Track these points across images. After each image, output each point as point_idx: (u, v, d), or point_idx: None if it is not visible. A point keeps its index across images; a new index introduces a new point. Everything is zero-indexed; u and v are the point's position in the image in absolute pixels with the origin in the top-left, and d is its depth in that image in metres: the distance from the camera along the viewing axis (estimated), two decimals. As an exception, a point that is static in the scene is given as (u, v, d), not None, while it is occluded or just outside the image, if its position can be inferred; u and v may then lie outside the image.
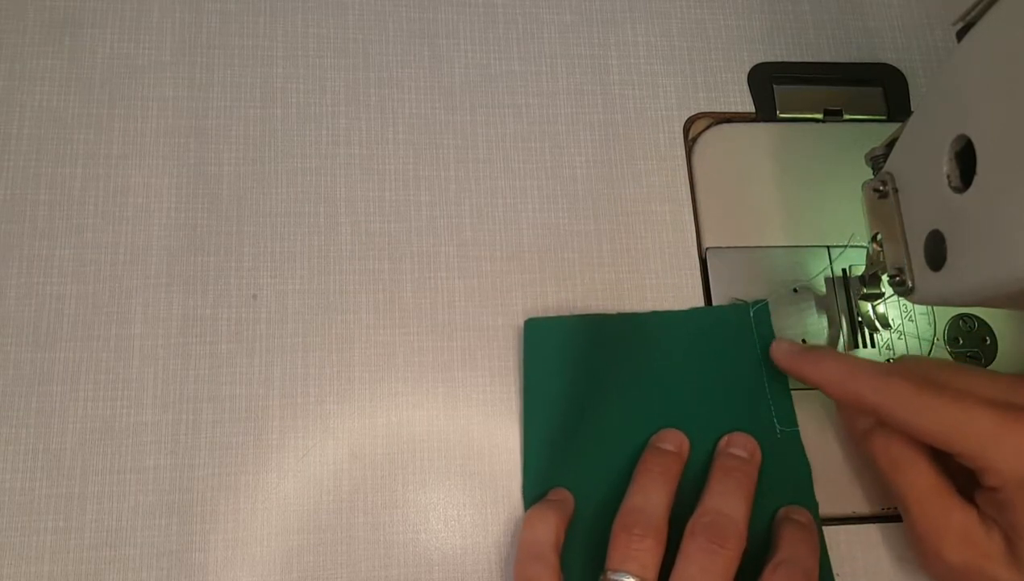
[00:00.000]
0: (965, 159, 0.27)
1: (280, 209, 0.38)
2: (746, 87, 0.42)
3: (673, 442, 0.34)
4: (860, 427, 0.33)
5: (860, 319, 0.38)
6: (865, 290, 0.37)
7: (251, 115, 0.39)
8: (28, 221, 0.37)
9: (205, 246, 0.37)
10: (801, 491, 0.35)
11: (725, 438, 0.35)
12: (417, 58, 0.41)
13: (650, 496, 0.32)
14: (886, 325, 0.37)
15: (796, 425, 0.35)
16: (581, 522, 0.34)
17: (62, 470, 0.34)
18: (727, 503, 0.32)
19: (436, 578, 0.34)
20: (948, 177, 0.28)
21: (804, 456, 0.35)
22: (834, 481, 0.36)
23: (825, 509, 0.35)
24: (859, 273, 0.38)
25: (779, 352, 0.35)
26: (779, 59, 0.42)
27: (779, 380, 0.36)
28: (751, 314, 0.37)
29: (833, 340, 0.38)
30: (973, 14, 0.27)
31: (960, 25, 0.28)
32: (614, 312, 0.37)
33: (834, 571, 0.34)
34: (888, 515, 0.35)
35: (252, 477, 0.34)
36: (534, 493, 0.34)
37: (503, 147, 0.40)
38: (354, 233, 0.38)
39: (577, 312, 0.37)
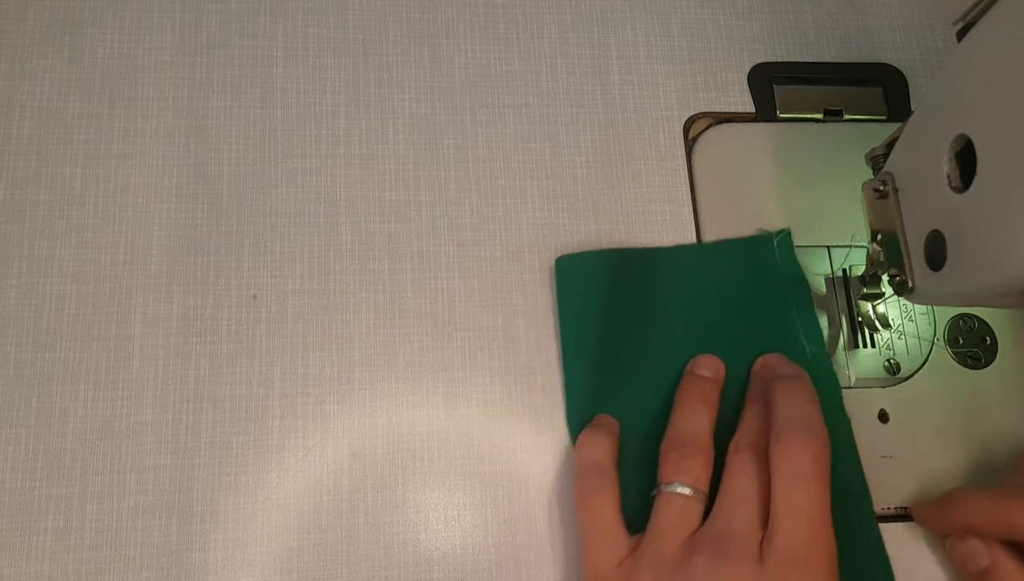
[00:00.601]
0: (965, 159, 0.27)
1: (280, 209, 0.38)
2: (746, 87, 0.42)
3: (710, 367, 0.35)
4: (973, 570, 0.33)
5: (860, 319, 0.38)
6: (865, 290, 0.37)
7: (251, 115, 0.39)
8: (28, 221, 0.37)
9: (205, 246, 0.37)
10: (832, 409, 0.35)
11: (760, 360, 0.36)
12: (417, 58, 0.41)
13: (693, 421, 0.33)
14: (886, 325, 0.37)
15: (824, 345, 0.36)
16: (624, 451, 0.34)
17: (62, 470, 0.34)
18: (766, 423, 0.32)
19: (436, 578, 0.34)
20: (948, 177, 0.28)
21: (834, 375, 0.36)
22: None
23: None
24: (859, 273, 0.38)
25: (921, 517, 0.35)
26: (779, 59, 0.42)
27: (806, 304, 0.37)
28: (775, 243, 0.38)
29: (833, 340, 0.38)
30: (973, 14, 0.27)
31: (960, 25, 0.28)
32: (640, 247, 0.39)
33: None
34: (887, 515, 0.35)
35: (252, 477, 0.34)
36: (578, 425, 0.35)
37: (503, 147, 0.40)
38: (354, 233, 0.38)
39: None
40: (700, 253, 0.38)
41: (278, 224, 0.38)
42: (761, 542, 0.29)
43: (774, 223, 0.39)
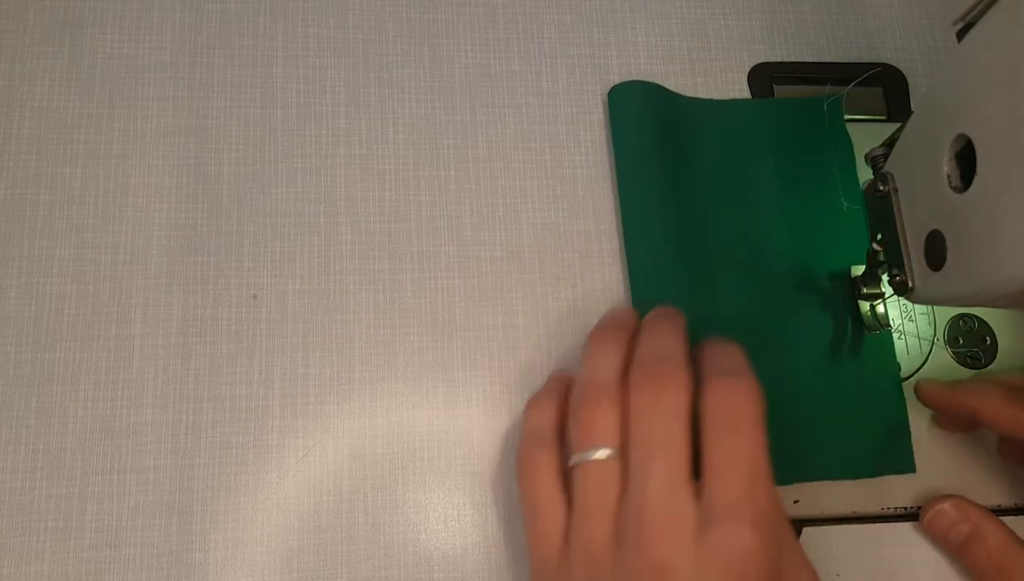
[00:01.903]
0: (965, 159, 0.27)
1: (280, 209, 0.38)
2: (746, 87, 0.42)
3: (620, 317, 0.33)
4: (955, 540, 0.34)
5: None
6: (865, 290, 0.37)
7: (251, 115, 0.39)
8: (28, 221, 0.37)
9: (205, 246, 0.37)
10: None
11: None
12: (417, 58, 0.41)
13: (595, 366, 0.31)
14: (886, 325, 0.37)
15: (862, 204, 0.38)
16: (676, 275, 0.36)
17: (62, 470, 0.34)
18: (653, 345, 0.30)
19: (436, 578, 0.34)
20: (948, 177, 0.28)
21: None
22: (835, 482, 0.36)
23: (825, 509, 0.35)
24: (859, 273, 0.38)
25: (929, 393, 0.35)
26: (779, 59, 0.42)
27: (848, 165, 0.39)
28: (825, 106, 0.40)
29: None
30: (973, 14, 0.27)
31: (960, 25, 0.28)
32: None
33: (835, 571, 0.34)
34: (887, 515, 0.35)
35: (252, 477, 0.34)
36: (636, 253, 0.38)
37: (503, 147, 0.40)
38: (354, 233, 0.38)
39: (578, 312, 0.37)
40: (751, 107, 0.41)
41: (278, 224, 0.38)
42: (693, 488, 0.27)
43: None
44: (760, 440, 0.27)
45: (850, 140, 0.40)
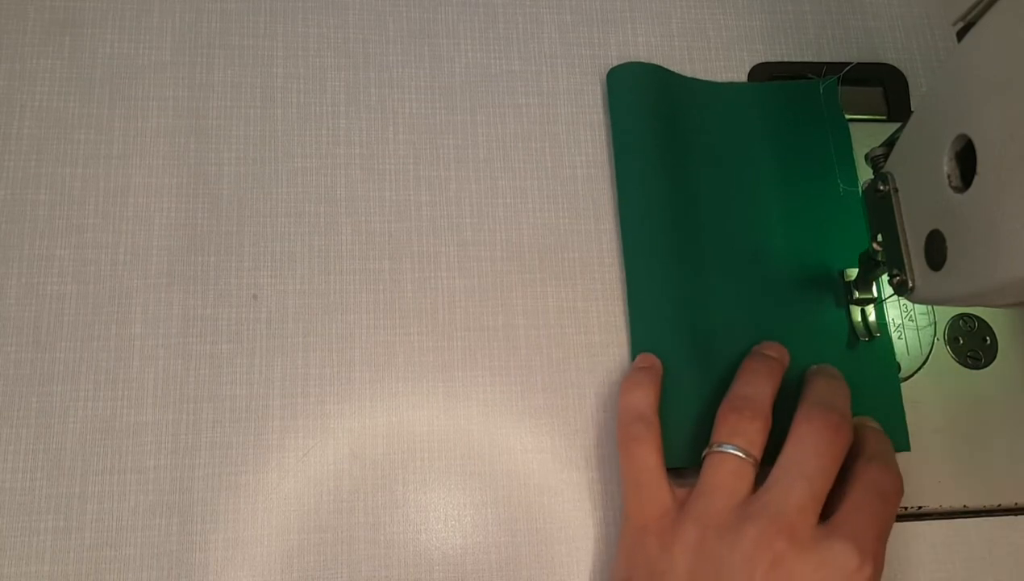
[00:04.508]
0: (965, 159, 0.27)
1: (280, 209, 0.38)
2: (746, 87, 0.42)
3: (776, 350, 0.36)
4: None
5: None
6: (857, 294, 0.36)
7: (251, 115, 0.39)
8: (28, 221, 0.37)
9: (205, 246, 0.37)
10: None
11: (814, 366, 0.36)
12: (417, 58, 0.41)
13: (755, 387, 0.33)
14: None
15: (858, 186, 0.38)
16: (661, 273, 0.37)
17: (62, 470, 0.34)
18: (832, 394, 0.33)
19: (436, 578, 0.34)
20: (948, 177, 0.28)
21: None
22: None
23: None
24: (852, 278, 0.38)
25: None
26: (779, 59, 0.42)
27: (844, 148, 0.39)
28: (821, 89, 0.41)
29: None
30: (973, 14, 0.27)
31: (960, 25, 0.28)
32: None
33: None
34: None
35: (252, 477, 0.34)
36: (631, 243, 0.38)
37: (503, 147, 0.40)
38: (354, 233, 0.38)
39: (578, 312, 0.37)
40: (748, 91, 0.41)
41: (278, 224, 0.38)
42: (817, 522, 0.29)
43: (774, 223, 0.39)
44: (894, 513, 0.31)
45: (846, 121, 0.40)
